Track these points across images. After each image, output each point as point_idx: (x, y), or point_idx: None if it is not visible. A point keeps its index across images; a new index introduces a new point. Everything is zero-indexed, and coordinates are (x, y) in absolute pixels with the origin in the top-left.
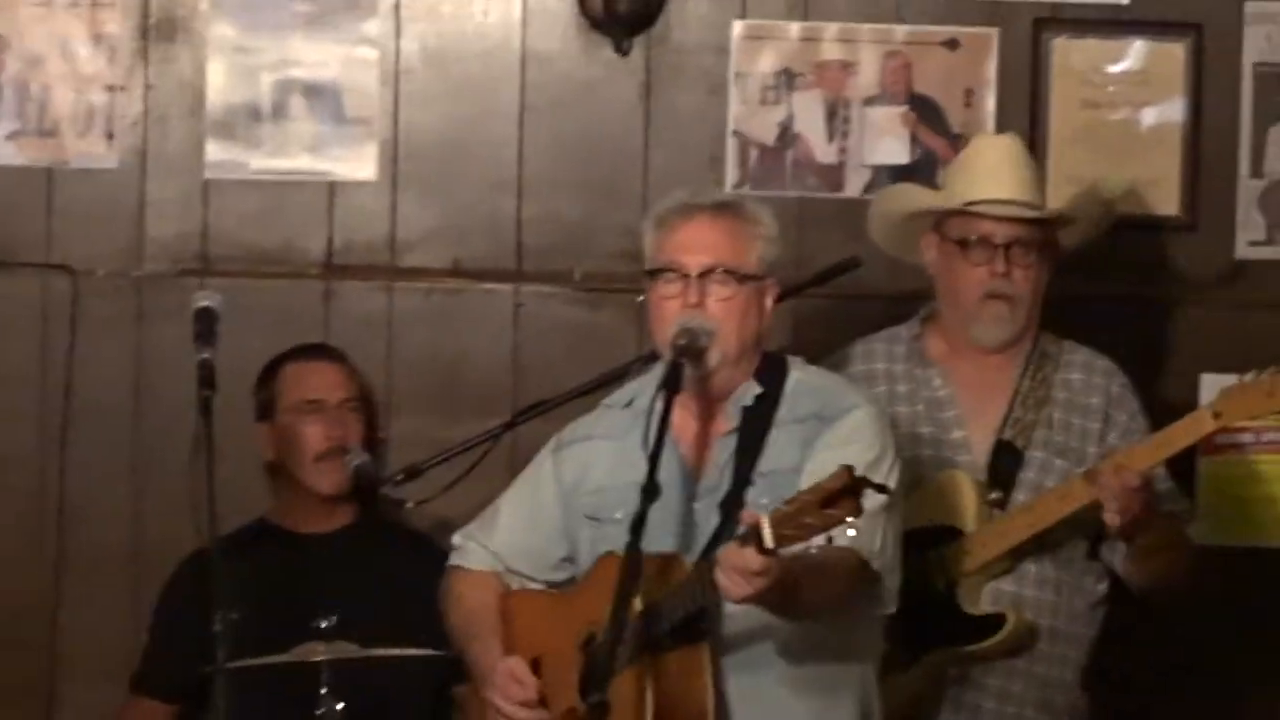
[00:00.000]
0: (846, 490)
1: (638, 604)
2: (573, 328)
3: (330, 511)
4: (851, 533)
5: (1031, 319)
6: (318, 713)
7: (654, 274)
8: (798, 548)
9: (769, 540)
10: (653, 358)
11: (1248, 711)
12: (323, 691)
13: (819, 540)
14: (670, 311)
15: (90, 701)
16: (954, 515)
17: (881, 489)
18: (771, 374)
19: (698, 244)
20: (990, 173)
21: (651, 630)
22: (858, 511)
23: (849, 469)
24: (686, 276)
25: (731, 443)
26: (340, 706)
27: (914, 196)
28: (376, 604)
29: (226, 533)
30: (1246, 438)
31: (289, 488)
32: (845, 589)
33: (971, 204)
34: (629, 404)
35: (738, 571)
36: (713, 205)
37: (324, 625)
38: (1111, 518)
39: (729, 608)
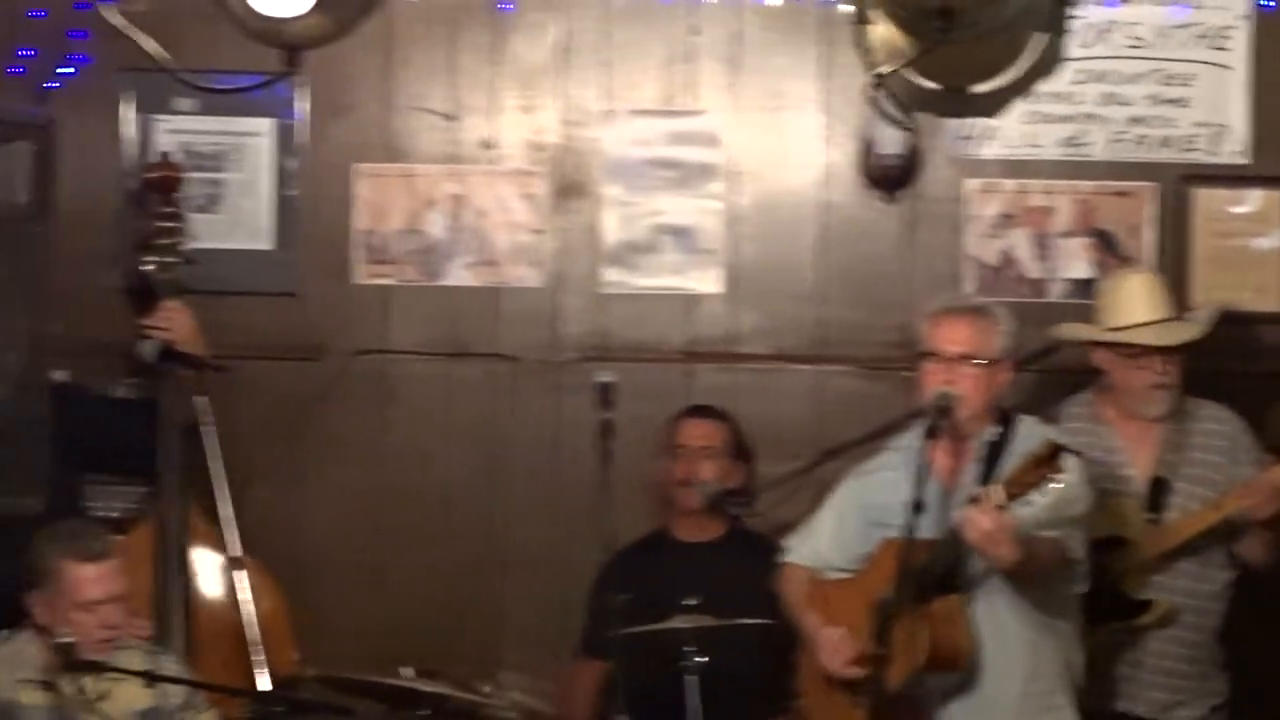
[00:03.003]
0: (1050, 455)
1: (910, 575)
2: (858, 396)
3: (703, 525)
4: (1057, 485)
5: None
6: (683, 664)
7: (923, 355)
8: (1020, 504)
9: (1001, 497)
10: (919, 414)
11: None
12: (686, 649)
13: (1035, 497)
14: (933, 383)
15: (524, 657)
16: (1122, 529)
17: (1076, 452)
18: (1005, 424)
19: (954, 337)
20: (1141, 302)
21: (921, 588)
22: (1059, 470)
23: (1050, 440)
24: (945, 359)
25: (975, 470)
26: (701, 661)
27: (1084, 331)
28: (731, 590)
29: (634, 539)
30: None
31: (673, 507)
32: (1049, 561)
33: (1126, 329)
34: (904, 447)
35: (972, 522)
36: (968, 308)
37: (689, 604)
38: (1259, 514)
39: (977, 567)
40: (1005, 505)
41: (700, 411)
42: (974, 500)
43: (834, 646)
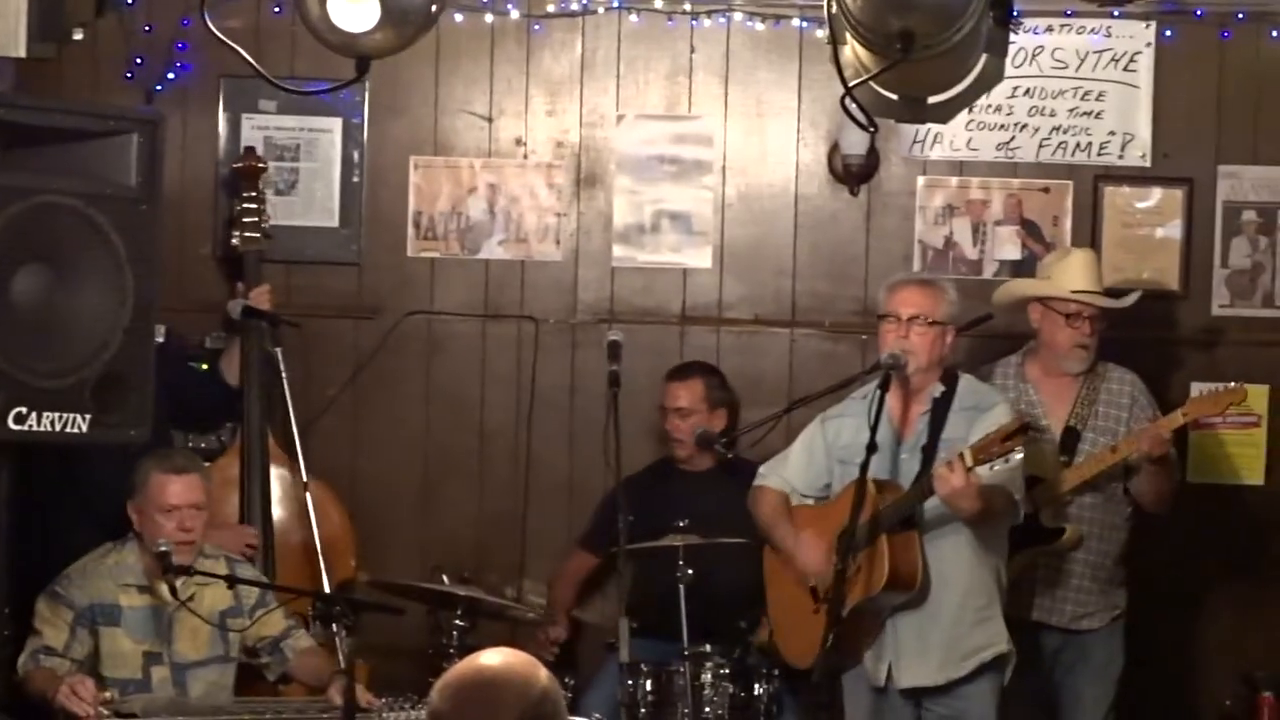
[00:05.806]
0: (1018, 431)
1: (869, 507)
2: (823, 354)
3: (700, 457)
4: (1018, 457)
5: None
6: (677, 575)
7: (882, 318)
8: (984, 468)
9: (969, 461)
10: (874, 370)
11: (1206, 573)
12: (680, 562)
13: (999, 464)
14: (888, 341)
15: (544, 568)
16: (1040, 469)
17: (1040, 430)
18: (950, 380)
19: (907, 302)
20: (1082, 273)
21: (882, 523)
22: (1026, 444)
23: (1020, 416)
24: (899, 320)
25: (925, 419)
26: (690, 572)
27: (1033, 286)
28: (719, 512)
29: (642, 467)
30: (1216, 420)
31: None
32: (1000, 508)
33: (1076, 293)
34: (864, 397)
35: (944, 480)
36: (918, 280)
37: (681, 524)
38: (1146, 451)
39: (929, 509)
40: (971, 468)
41: (678, 374)
42: (947, 463)
43: (812, 548)
